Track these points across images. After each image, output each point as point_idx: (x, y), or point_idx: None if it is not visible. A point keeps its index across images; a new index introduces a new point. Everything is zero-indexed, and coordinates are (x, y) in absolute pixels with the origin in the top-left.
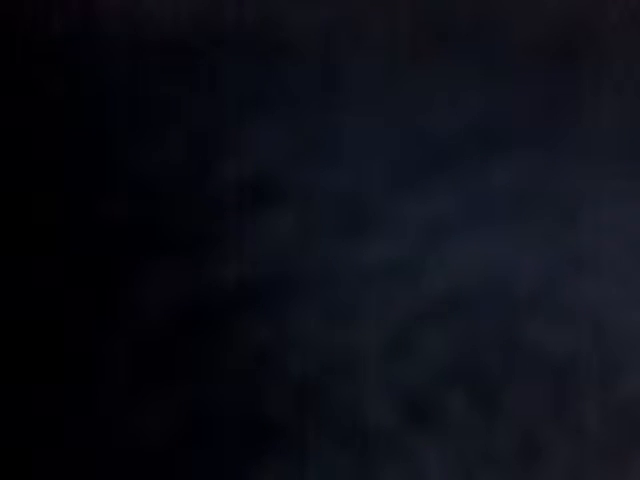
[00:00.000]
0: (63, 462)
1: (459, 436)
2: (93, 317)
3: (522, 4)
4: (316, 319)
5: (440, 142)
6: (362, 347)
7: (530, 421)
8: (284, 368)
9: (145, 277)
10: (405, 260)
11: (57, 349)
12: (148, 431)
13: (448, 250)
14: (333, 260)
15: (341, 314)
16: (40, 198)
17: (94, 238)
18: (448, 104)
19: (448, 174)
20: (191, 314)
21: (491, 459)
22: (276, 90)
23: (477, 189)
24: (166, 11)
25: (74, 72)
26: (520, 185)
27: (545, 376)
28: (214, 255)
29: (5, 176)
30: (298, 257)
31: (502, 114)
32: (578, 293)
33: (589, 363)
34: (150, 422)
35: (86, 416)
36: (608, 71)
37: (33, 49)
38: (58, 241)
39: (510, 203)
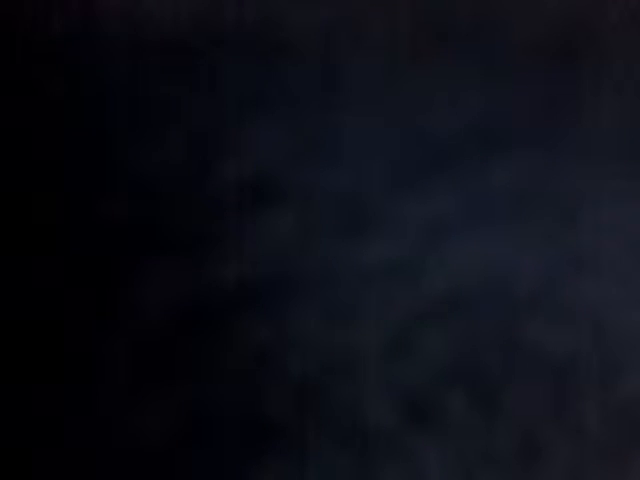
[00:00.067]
0: (63, 462)
1: (459, 436)
2: (93, 317)
3: (522, 4)
4: (316, 319)
5: (440, 142)
6: (362, 347)
7: (530, 421)
8: (284, 368)
9: (145, 277)
10: (405, 260)
11: (57, 349)
12: (148, 431)
13: (448, 250)
14: (333, 260)
15: (341, 314)
16: (40, 198)
17: (94, 238)
18: (448, 104)
19: (448, 174)
20: (191, 314)
21: (491, 459)
22: (276, 90)
23: (477, 189)
24: (166, 11)
25: (74, 72)
26: (520, 185)
27: (545, 376)
28: (214, 255)
29: (5, 176)
30: (298, 257)
31: (502, 114)
32: (578, 293)
33: (589, 363)
34: (150, 422)
35: (86, 416)
36: (608, 71)
37: (33, 49)
38: (58, 241)
39: (510, 203)
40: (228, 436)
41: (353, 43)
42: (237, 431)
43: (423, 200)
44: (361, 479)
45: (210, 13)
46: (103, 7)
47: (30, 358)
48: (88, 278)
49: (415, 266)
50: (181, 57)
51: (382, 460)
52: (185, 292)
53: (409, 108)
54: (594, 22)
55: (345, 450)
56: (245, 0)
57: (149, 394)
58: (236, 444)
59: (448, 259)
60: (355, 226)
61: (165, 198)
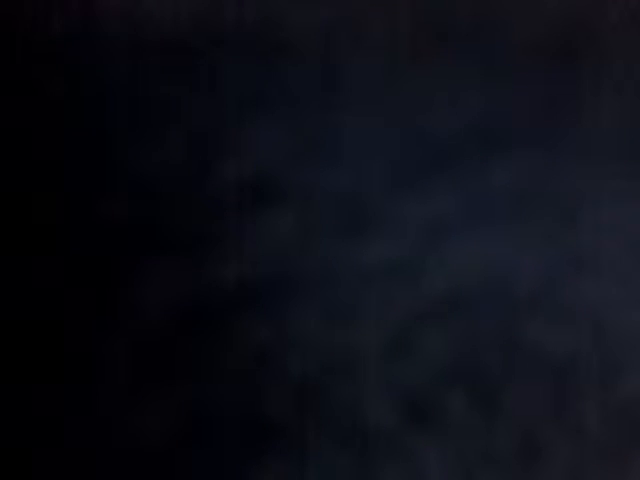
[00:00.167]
0: (63, 462)
1: (459, 436)
2: (93, 317)
3: (522, 4)
4: (316, 319)
5: (440, 142)
6: (362, 347)
7: (530, 421)
8: (284, 368)
9: (145, 277)
10: (405, 260)
11: (57, 349)
12: (148, 431)
13: (448, 250)
14: (333, 260)
15: (341, 314)
16: (40, 198)
17: (94, 238)
18: (448, 104)
19: (448, 174)
20: (191, 314)
21: (491, 459)
22: (276, 90)
23: (477, 189)
24: (166, 11)
25: (74, 72)
26: (520, 185)
27: (545, 376)
28: (214, 255)
29: (5, 176)
30: (298, 257)
31: (502, 114)
32: (578, 293)
33: (589, 363)
34: (150, 422)
35: (86, 416)
36: (608, 71)
37: (33, 49)
38: (58, 241)
39: (510, 203)
40: (228, 436)
41: (353, 43)
42: (237, 431)
43: (423, 200)
44: (361, 479)
45: (210, 13)
46: (103, 7)
47: (30, 358)
48: (88, 278)
49: (415, 266)
50: (181, 57)
51: (382, 460)
52: (185, 292)
53: (409, 108)
54: (594, 22)
55: (345, 450)
56: (245, 0)
57: (149, 394)
58: (236, 444)
59: (448, 259)
60: (355, 226)
61: (165, 198)
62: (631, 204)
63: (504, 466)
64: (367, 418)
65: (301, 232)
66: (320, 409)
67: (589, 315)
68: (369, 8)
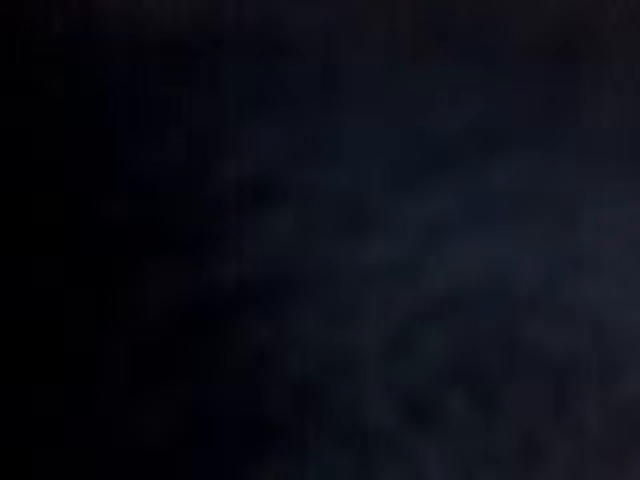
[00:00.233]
0: (63, 462)
1: (459, 436)
2: (93, 317)
3: (522, 4)
4: (316, 319)
5: (440, 142)
6: (362, 347)
7: (530, 421)
8: (284, 368)
9: (145, 277)
10: (405, 260)
11: (57, 349)
12: (148, 431)
13: (448, 250)
14: (333, 260)
15: (341, 314)
16: (40, 198)
17: (94, 238)
18: (448, 104)
19: (448, 174)
20: (191, 314)
21: (491, 459)
22: (276, 90)
23: (477, 189)
24: (166, 11)
25: (74, 72)
26: (520, 185)
27: (545, 376)
28: (214, 255)
29: (5, 176)
30: (298, 257)
31: (502, 114)
32: (578, 293)
33: (589, 363)
34: (150, 422)
35: (86, 416)
36: (608, 71)
37: (33, 49)
38: (58, 241)
39: (510, 203)
40: (228, 436)
41: (353, 43)
42: (237, 431)
43: (423, 200)
44: (361, 479)
45: (210, 13)
46: (103, 7)
47: (30, 358)
48: (88, 278)
49: (415, 266)
50: (181, 57)
51: (382, 460)
52: (185, 292)
53: (409, 108)
54: (594, 22)
55: (345, 450)
56: (245, 0)
57: (149, 394)
58: (236, 444)
59: (448, 259)
60: (355, 226)
61: (165, 198)
62: (631, 204)
63: (504, 466)
64: (367, 418)
65: (301, 232)
66: (320, 409)
67: (589, 315)
68: (369, 8)
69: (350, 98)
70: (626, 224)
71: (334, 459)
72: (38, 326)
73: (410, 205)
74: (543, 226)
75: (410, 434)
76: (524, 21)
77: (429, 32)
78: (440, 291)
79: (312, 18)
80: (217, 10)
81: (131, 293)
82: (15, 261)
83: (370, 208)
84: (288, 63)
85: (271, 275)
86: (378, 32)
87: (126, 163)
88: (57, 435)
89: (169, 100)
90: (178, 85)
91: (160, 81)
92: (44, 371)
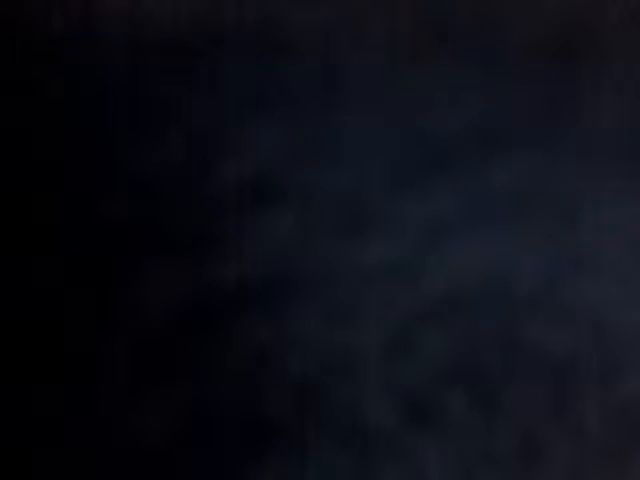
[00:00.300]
0: (63, 462)
1: (459, 436)
2: (93, 317)
3: (522, 4)
4: (316, 319)
5: (440, 142)
6: (362, 347)
7: (530, 421)
8: (284, 368)
9: (145, 277)
10: (405, 260)
11: (57, 349)
12: (148, 431)
13: (448, 250)
14: (333, 260)
15: (341, 314)
16: (40, 198)
17: (94, 238)
18: (448, 104)
19: (448, 174)
20: (191, 314)
21: (491, 459)
22: (276, 90)
23: (477, 189)
24: (166, 11)
25: (74, 72)
26: (520, 185)
27: (545, 376)
28: (214, 255)
29: (5, 176)
30: (298, 257)
31: (502, 114)
32: (578, 293)
33: (589, 363)
34: (150, 422)
35: (86, 416)
36: (608, 71)
37: (33, 49)
38: (58, 241)
39: (510, 203)
40: (228, 436)
41: (353, 43)
42: (237, 431)
43: (423, 200)
44: (361, 479)
45: (210, 13)
46: (103, 7)
47: (30, 358)
48: (88, 278)
49: (415, 266)
50: (181, 57)
51: (382, 460)
52: (185, 292)
53: (409, 108)
54: (594, 22)
55: (345, 450)
56: (245, 0)
57: (149, 394)
58: (236, 444)
59: (448, 259)
60: (355, 226)
61: (165, 198)
62: (631, 204)
63: (504, 466)
64: (367, 418)
65: (301, 232)
66: (320, 409)
67: (589, 315)
68: (369, 8)
69: (350, 98)
70: (626, 224)
71: (334, 459)
72: (38, 326)
73: (410, 205)
74: (543, 226)
75: (410, 434)
76: (524, 21)
77: (429, 32)
78: (440, 291)
79: (312, 18)
80: (217, 10)
81: (131, 293)
82: (15, 261)
83: (370, 208)
84: (288, 63)
85: (271, 275)
86: (378, 32)
87: (126, 163)
88: (57, 435)
89: (169, 100)
90: (178, 85)
91: (160, 81)
92: (44, 371)
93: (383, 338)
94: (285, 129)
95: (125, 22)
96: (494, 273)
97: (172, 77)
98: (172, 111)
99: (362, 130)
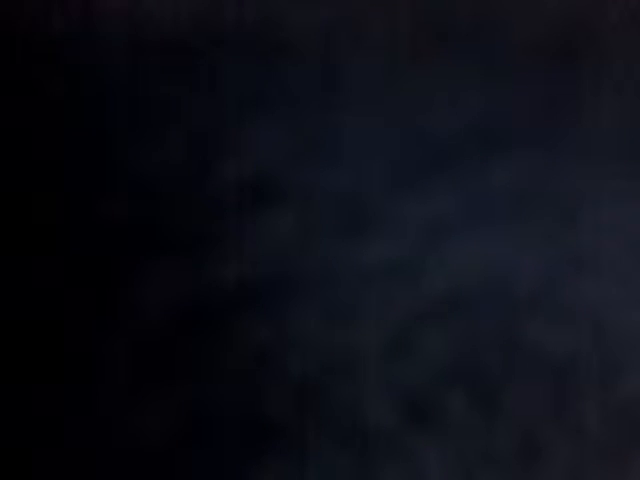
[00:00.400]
0: (63, 462)
1: (459, 436)
2: (93, 317)
3: (522, 4)
4: (316, 319)
5: (440, 142)
6: (362, 347)
7: (530, 421)
8: (284, 368)
9: (145, 277)
10: (405, 260)
11: (57, 349)
12: (148, 431)
13: (448, 250)
14: (333, 260)
15: (341, 314)
16: (40, 198)
17: (94, 238)
18: (448, 104)
19: (448, 174)
20: (191, 314)
21: (491, 459)
22: (276, 90)
23: (477, 189)
24: (166, 11)
25: (74, 72)
26: (520, 185)
27: (545, 376)
28: (214, 255)
29: (5, 176)
30: (298, 257)
31: (502, 114)
32: (578, 293)
33: (589, 363)
34: (150, 422)
35: (86, 416)
36: (608, 71)
37: (33, 49)
38: (58, 241)
39: (510, 203)
40: (228, 436)
41: (353, 43)
42: (237, 431)
43: (423, 200)
44: (361, 479)
45: (210, 13)
46: (103, 7)
47: (30, 358)
48: (88, 278)
49: (415, 266)
50: (181, 57)
51: (382, 460)
52: (185, 292)
53: (409, 108)
54: (594, 22)
55: (345, 450)
56: (245, 0)
57: (149, 394)
58: (236, 444)
59: (448, 259)
60: (355, 226)
61: (165, 198)
62: (631, 204)
63: (504, 466)
64: (367, 418)
65: (301, 232)
66: (320, 409)
67: (589, 315)
68: (369, 8)
69: (350, 98)
70: (626, 224)
71: (334, 459)
72: (38, 326)
73: (410, 205)
74: (543, 226)
75: (410, 434)
76: (524, 21)
77: (429, 32)
78: (440, 291)
79: (312, 18)
80: (217, 10)
81: (131, 293)
82: (15, 261)
83: (370, 208)
84: (288, 63)
85: (271, 275)
86: (378, 32)
87: (126, 163)
88: (57, 435)
89: (169, 100)
90: (178, 85)
91: (160, 81)
92: (44, 371)
93: (383, 338)
94: (285, 129)
95: (125, 22)
96: (494, 273)
97: (172, 77)
98: (172, 111)
99: (362, 130)
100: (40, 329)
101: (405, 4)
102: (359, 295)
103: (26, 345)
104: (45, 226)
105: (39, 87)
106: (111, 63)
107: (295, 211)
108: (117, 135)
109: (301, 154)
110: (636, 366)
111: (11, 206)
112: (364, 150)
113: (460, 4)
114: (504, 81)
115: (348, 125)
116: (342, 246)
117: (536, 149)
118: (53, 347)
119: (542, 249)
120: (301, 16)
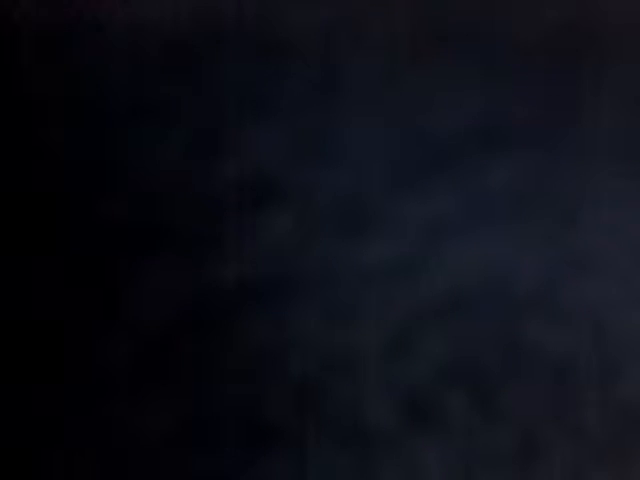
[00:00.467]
0: (63, 462)
1: (459, 436)
2: (93, 317)
3: (522, 4)
4: (316, 319)
5: (440, 142)
6: (362, 347)
7: (530, 421)
8: (284, 368)
9: (145, 277)
10: (405, 260)
11: (57, 349)
12: (148, 431)
13: (448, 250)
14: (333, 260)
15: (341, 314)
16: (40, 198)
17: (94, 238)
18: (448, 104)
19: (448, 174)
20: (191, 314)
21: (491, 459)
22: (276, 90)
23: (477, 189)
24: (166, 11)
25: (74, 72)
26: (520, 185)
27: (545, 376)
28: (214, 255)
29: (5, 176)
30: (298, 257)
31: (502, 114)
32: (578, 293)
33: (589, 363)
34: (150, 422)
35: (86, 416)
36: (608, 71)
37: (33, 49)
38: (58, 241)
39: (510, 203)
40: (228, 436)
41: (353, 43)
42: (237, 431)
43: (423, 200)
44: (361, 479)
45: (210, 13)
46: (103, 7)
47: (30, 358)
48: (88, 278)
49: (415, 266)
50: (181, 57)
51: (382, 460)
52: (185, 292)
53: (409, 108)
54: (594, 22)
55: (345, 450)
56: (245, 0)
57: (149, 394)
58: (236, 444)
59: (448, 259)
60: (355, 226)
61: (165, 198)
62: (631, 204)
63: (504, 466)
64: (367, 418)
65: (301, 232)
66: (320, 409)
67: (589, 315)
68: (369, 8)
69: (350, 98)
70: (626, 224)
71: (334, 459)
72: (38, 326)
73: (410, 205)
74: (543, 226)
75: (410, 434)
76: (524, 21)
77: (429, 32)
78: (440, 291)
79: (312, 18)
80: (217, 10)
81: (131, 293)
82: (15, 261)
83: (370, 208)
84: (288, 63)
85: (271, 275)
86: (378, 32)
87: (126, 163)
88: (57, 435)
89: (169, 100)
90: (178, 85)
91: (160, 81)
92: (44, 371)
93: (383, 338)
94: (285, 129)
95: (125, 22)
96: (494, 273)
97: (172, 77)
98: (172, 111)
99: (362, 130)
100: (40, 329)
101: (405, 4)
102: (359, 295)
103: (26, 345)
104: (45, 226)
105: (39, 87)
106: (111, 63)
107: (295, 211)
108: (117, 135)
109: (301, 154)
110: (636, 366)
111: (11, 206)
112: (364, 150)
113: (460, 4)
114: (504, 81)
115: (348, 125)
116: (342, 246)
117: (536, 149)
118: (53, 347)
119: (542, 249)
120: (301, 16)
